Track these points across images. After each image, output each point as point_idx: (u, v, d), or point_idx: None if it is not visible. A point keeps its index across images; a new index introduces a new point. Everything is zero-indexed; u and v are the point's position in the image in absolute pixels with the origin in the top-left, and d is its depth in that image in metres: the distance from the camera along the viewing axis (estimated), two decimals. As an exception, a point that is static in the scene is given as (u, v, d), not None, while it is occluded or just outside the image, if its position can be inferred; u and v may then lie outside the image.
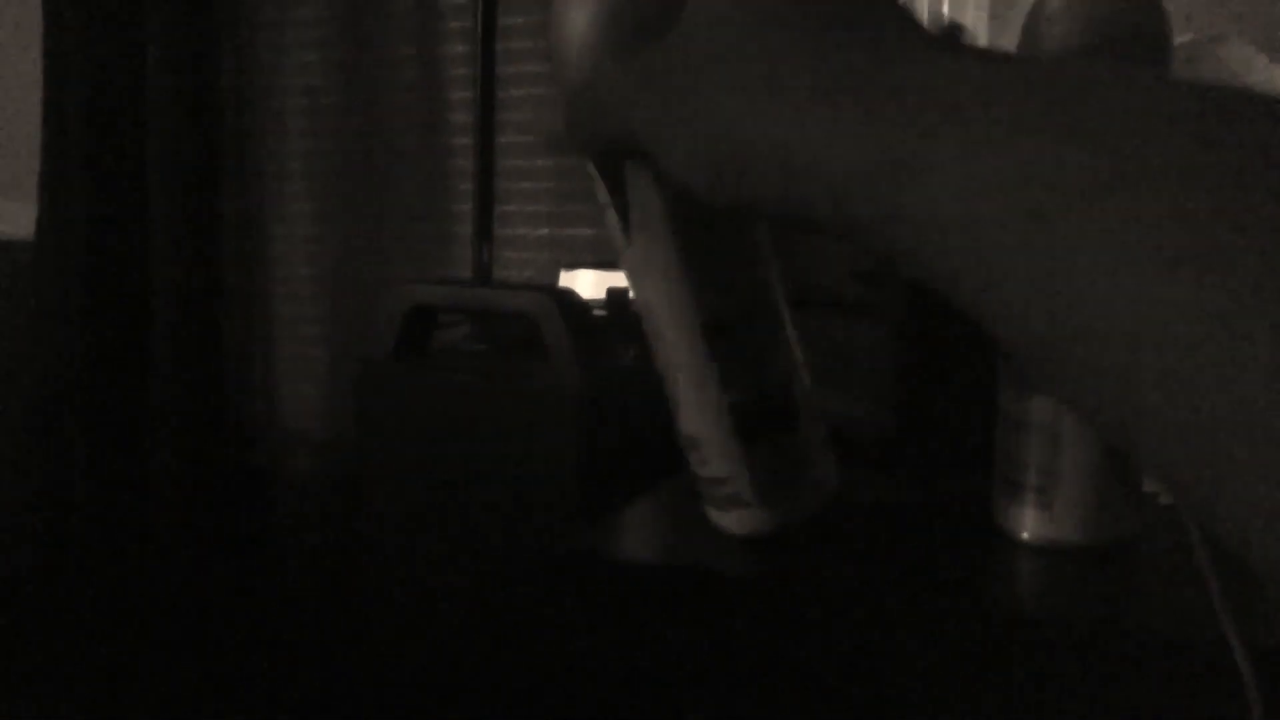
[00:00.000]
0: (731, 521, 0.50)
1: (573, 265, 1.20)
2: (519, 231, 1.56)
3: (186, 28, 1.68)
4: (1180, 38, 0.84)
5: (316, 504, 1.65)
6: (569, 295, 0.91)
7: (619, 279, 1.08)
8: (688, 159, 0.31)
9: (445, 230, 1.61)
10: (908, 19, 0.29)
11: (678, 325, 0.46)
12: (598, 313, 1.02)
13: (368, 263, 1.66)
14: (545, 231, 1.55)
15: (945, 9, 1.34)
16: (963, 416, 0.62)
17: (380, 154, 1.64)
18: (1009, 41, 1.06)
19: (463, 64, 1.57)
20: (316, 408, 1.70)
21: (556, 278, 1.25)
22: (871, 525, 0.53)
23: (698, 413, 0.48)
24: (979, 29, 1.32)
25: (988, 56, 0.25)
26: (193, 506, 1.73)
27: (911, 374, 0.63)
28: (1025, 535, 0.47)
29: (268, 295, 1.75)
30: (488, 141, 1.56)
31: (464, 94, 1.57)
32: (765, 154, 0.28)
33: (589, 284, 1.08)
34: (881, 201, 0.25)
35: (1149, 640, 0.39)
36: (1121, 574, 0.45)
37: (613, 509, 0.57)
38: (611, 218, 0.45)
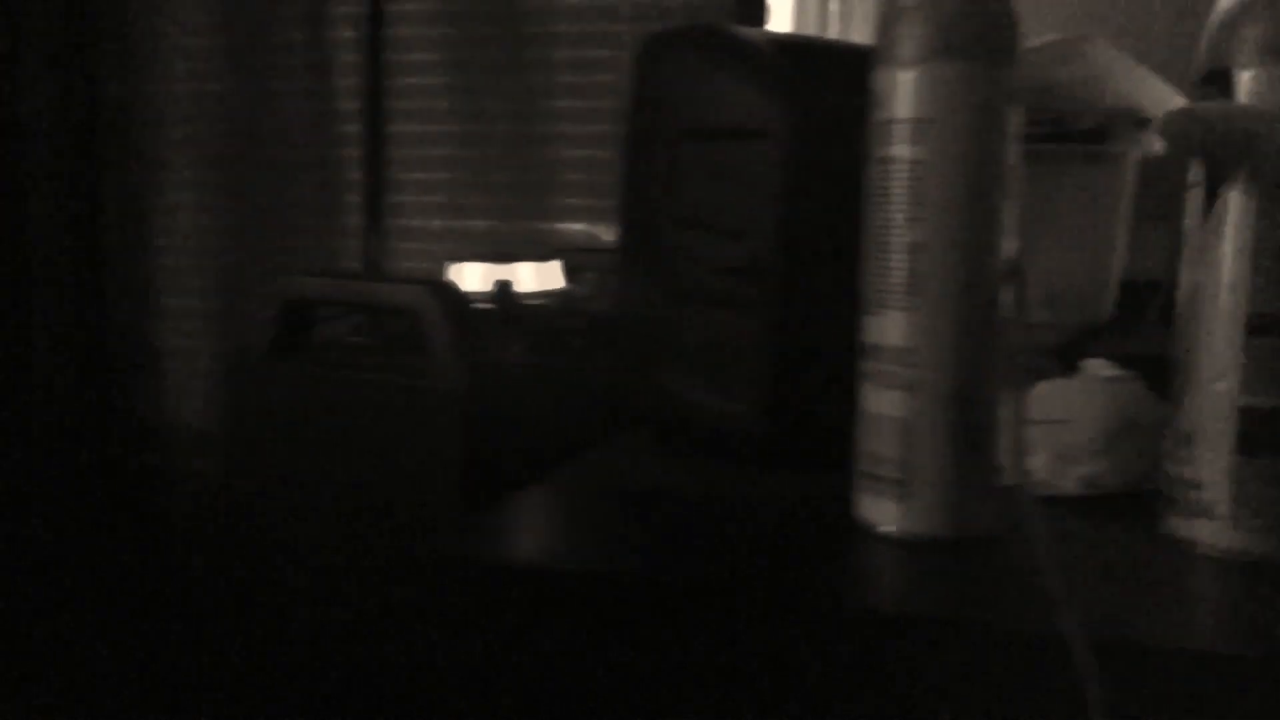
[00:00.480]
0: (1194, 531, 0.47)
1: (463, 258, 1.18)
2: (413, 223, 1.53)
3: (65, 16, 1.61)
4: (1048, 37, 0.86)
5: (200, 501, 1.60)
6: (449, 288, 0.89)
7: (507, 272, 1.06)
8: None
9: (336, 222, 1.57)
10: None
11: (1224, 314, 0.46)
12: (484, 306, 1.00)
13: (256, 254, 1.61)
14: (439, 223, 1.52)
15: (833, 6, 1.36)
16: (835, 413, 0.62)
17: (268, 142, 1.59)
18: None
19: (352, 50, 1.53)
20: (202, 404, 1.65)
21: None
22: (737, 522, 0.53)
23: (1205, 408, 0.46)
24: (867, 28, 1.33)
25: None
26: (77, 504, 1.67)
27: (784, 370, 0.63)
28: (885, 529, 0.48)
29: (152, 289, 1.68)
30: (377, 130, 1.53)
31: (353, 81, 1.53)
32: None
33: (477, 277, 1.06)
34: None
35: (996, 632, 0.40)
36: (977, 567, 0.46)
37: (492, 509, 0.56)
38: (1195, 195, 0.46)
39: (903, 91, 0.46)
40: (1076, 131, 0.96)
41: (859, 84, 0.53)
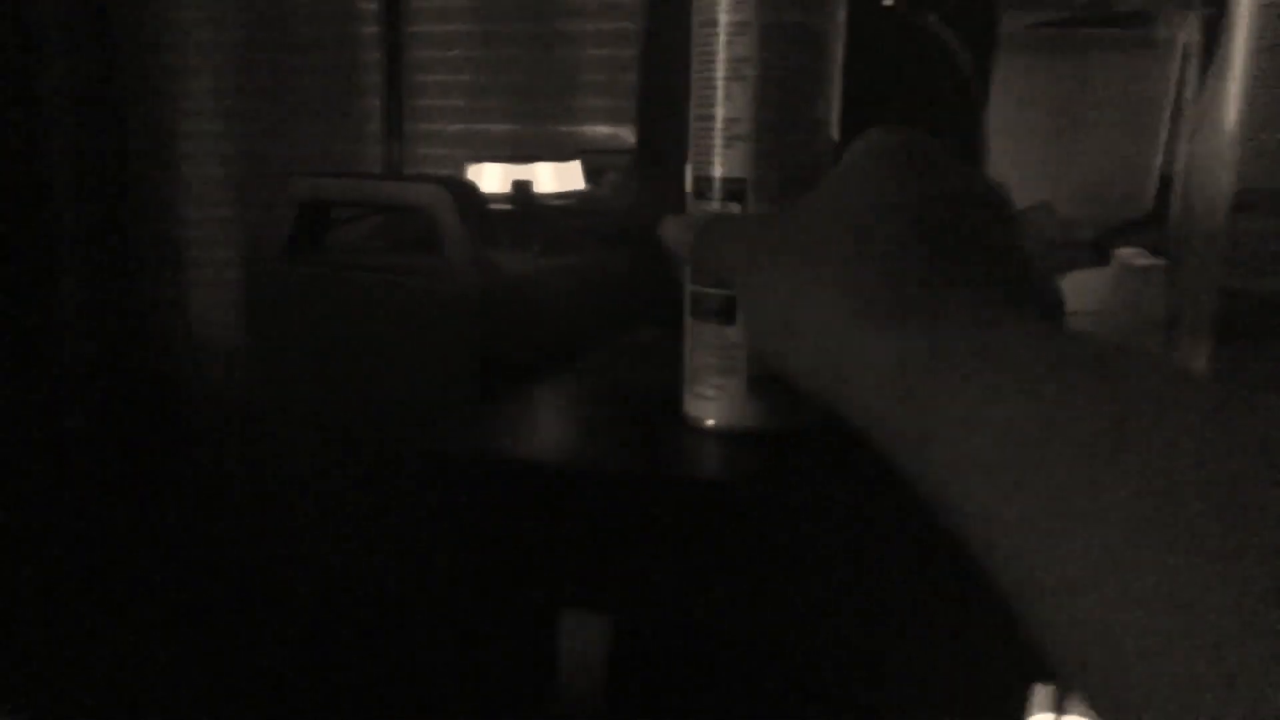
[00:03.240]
0: None
1: (482, 160, 1.15)
2: (433, 127, 1.51)
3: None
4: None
5: (224, 410, 1.62)
6: (465, 186, 0.87)
7: (526, 173, 1.04)
8: (756, 327, 0.35)
9: (355, 127, 1.54)
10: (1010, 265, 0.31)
11: (1211, 190, 0.43)
12: (502, 207, 0.98)
13: (276, 160, 1.59)
14: (460, 126, 1.49)
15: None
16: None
17: (286, 46, 1.56)
18: None
19: (368, -53, 1.48)
20: (226, 313, 1.65)
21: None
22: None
23: (1189, 289, 0.44)
24: None
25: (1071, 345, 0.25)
26: (103, 418, 1.69)
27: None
28: (709, 423, 0.46)
29: (175, 198, 1.68)
30: (396, 30, 1.49)
31: (371, -20, 1.49)
32: (813, 351, 0.31)
33: (495, 178, 1.04)
34: (901, 442, 0.27)
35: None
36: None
37: (505, 407, 0.55)
38: (1194, 65, 0.42)
39: None
40: (1119, 15, 0.91)
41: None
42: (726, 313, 0.43)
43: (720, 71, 0.41)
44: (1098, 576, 0.20)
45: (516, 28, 1.44)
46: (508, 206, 0.97)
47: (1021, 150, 0.90)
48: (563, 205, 1.03)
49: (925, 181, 0.33)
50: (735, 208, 0.42)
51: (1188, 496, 0.19)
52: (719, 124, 0.41)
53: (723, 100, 0.41)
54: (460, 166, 1.45)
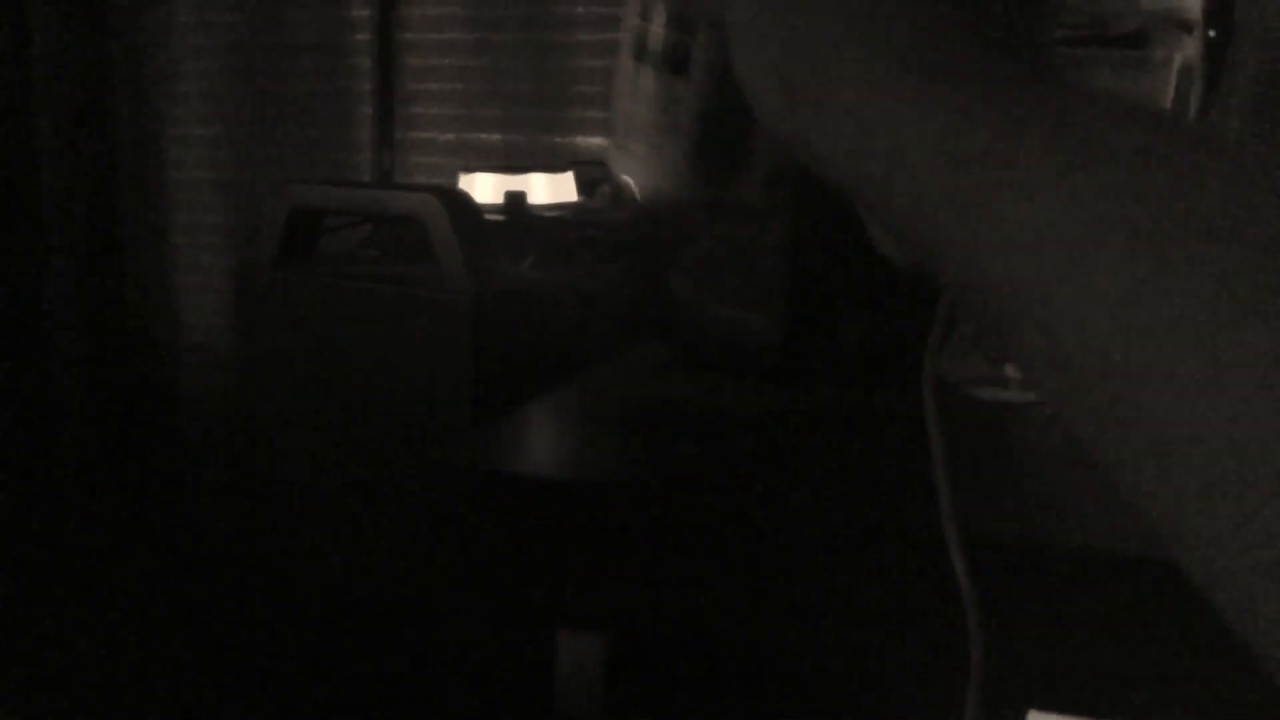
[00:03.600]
0: None
1: (475, 170, 1.15)
2: (425, 135, 1.50)
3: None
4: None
5: (212, 415, 1.60)
6: (459, 196, 0.86)
7: (520, 183, 1.03)
8: (769, 72, 0.28)
9: (346, 135, 1.53)
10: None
11: None
12: (495, 217, 0.98)
13: (267, 168, 1.58)
14: (452, 136, 1.49)
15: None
16: (853, 327, 0.60)
17: (278, 52, 1.55)
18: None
19: (363, -45, 1.48)
20: (216, 319, 1.64)
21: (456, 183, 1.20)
22: (746, 435, 0.51)
23: None
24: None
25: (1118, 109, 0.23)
26: (93, 423, 1.67)
27: (802, 282, 0.61)
28: (633, 185, 0.41)
29: (165, 203, 1.66)
30: (389, 39, 1.49)
31: (364, -13, 1.48)
32: (847, 114, 0.25)
33: (488, 188, 1.03)
34: (953, 220, 0.23)
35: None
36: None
37: (498, 420, 0.55)
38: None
39: None
40: (1115, 36, 0.91)
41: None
42: (677, 61, 0.37)
43: None
44: (1175, 359, 0.18)
45: (510, 38, 1.44)
46: (500, 217, 0.97)
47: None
48: (556, 216, 1.02)
49: None
50: None
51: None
52: None
53: None
54: (453, 176, 1.45)
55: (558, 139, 1.42)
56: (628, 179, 0.40)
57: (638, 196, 0.40)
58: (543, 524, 0.46)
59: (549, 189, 1.06)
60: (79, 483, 1.65)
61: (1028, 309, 0.21)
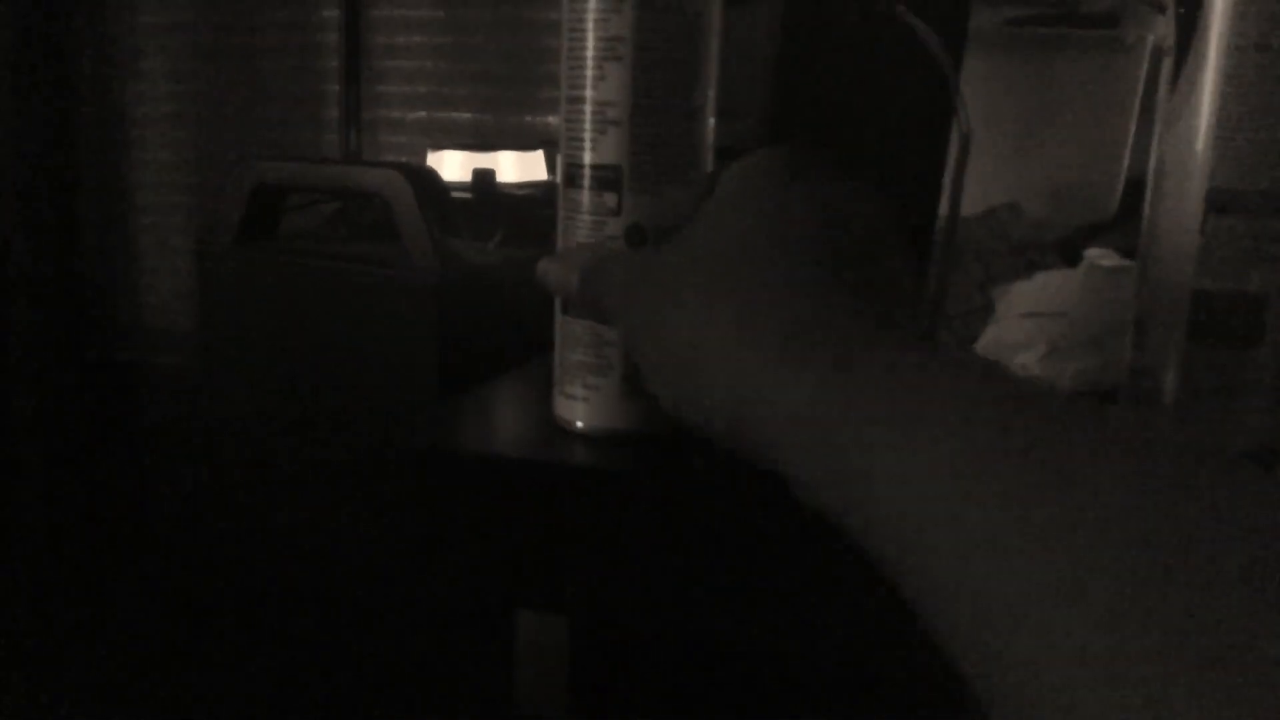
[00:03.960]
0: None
1: (444, 148, 1.13)
2: (394, 114, 1.48)
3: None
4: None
5: (178, 399, 1.58)
6: (425, 173, 0.85)
7: (488, 161, 1.02)
8: (653, 373, 0.33)
9: (315, 113, 1.51)
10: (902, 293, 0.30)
11: (1184, 190, 0.41)
12: (463, 195, 0.96)
13: (232, 147, 1.55)
14: (422, 114, 1.47)
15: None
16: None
17: (243, 28, 1.53)
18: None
19: (330, -71, 1.45)
20: (178, 299, 1.62)
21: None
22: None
23: (1160, 290, 0.43)
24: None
25: (975, 367, 0.25)
26: (55, 403, 1.65)
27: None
28: (579, 425, 0.44)
29: (127, 182, 1.64)
30: (356, 14, 1.46)
31: (332, -38, 1.46)
32: (720, 397, 0.29)
33: (456, 165, 1.02)
34: (828, 485, 0.26)
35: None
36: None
37: (463, 399, 0.54)
38: (1168, 64, 0.42)
39: None
40: (1087, 16, 0.91)
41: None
42: None
43: (592, 51, 0.38)
44: (1031, 612, 0.19)
45: (480, 15, 1.42)
46: (468, 195, 0.95)
47: (989, 151, 0.89)
48: (525, 195, 1.01)
49: (813, 204, 0.32)
50: (611, 198, 0.39)
51: (1115, 530, 0.19)
52: (590, 107, 0.38)
53: (594, 82, 0.38)
54: (422, 155, 1.43)
55: (528, 118, 1.41)
56: (569, 418, 0.43)
57: (583, 425, 0.42)
58: (507, 505, 0.45)
59: (518, 167, 1.05)
60: (38, 465, 1.62)
61: (896, 553, 0.23)
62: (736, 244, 0.31)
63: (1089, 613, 0.18)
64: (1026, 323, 0.54)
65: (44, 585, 1.47)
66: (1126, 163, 0.89)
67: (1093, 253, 0.60)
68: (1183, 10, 0.42)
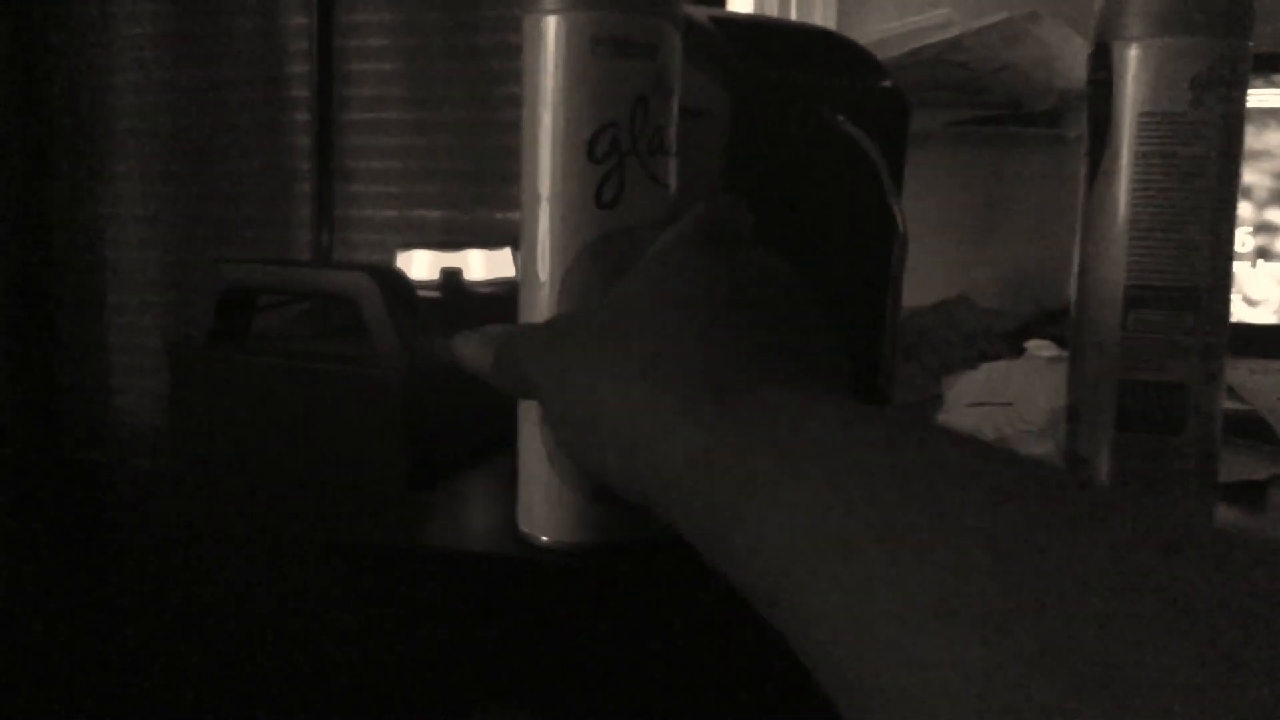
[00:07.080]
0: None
1: (414, 247, 1.15)
2: (365, 213, 1.51)
3: (7, 3, 1.57)
4: (995, 17, 0.85)
5: (150, 500, 1.57)
6: (392, 273, 0.87)
7: (456, 259, 1.04)
8: (558, 424, 0.35)
9: (286, 213, 1.54)
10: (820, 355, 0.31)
11: (1104, 287, 0.44)
12: (429, 294, 0.98)
13: (204, 247, 1.57)
14: (394, 213, 1.50)
15: (794, 8, 1.34)
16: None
17: (216, 130, 1.56)
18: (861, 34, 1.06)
19: (303, 36, 1.50)
20: (152, 400, 1.61)
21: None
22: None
23: (1088, 381, 0.45)
24: (828, 22, 1.32)
25: (870, 418, 0.26)
26: (25, 505, 1.63)
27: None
28: (544, 539, 0.44)
29: (100, 283, 1.65)
30: (327, 117, 1.50)
31: (304, 68, 1.50)
32: (616, 445, 0.31)
33: (424, 264, 1.04)
34: (710, 532, 0.27)
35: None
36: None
37: (436, 494, 0.55)
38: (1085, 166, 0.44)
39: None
40: (1031, 114, 0.95)
41: (806, 63, 0.52)
42: None
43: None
44: (897, 660, 0.20)
45: (449, 116, 1.46)
46: (436, 294, 0.97)
47: (943, 244, 0.92)
48: (493, 293, 1.03)
49: (733, 266, 0.33)
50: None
51: (983, 581, 0.19)
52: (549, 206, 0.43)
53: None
54: (393, 253, 1.46)
55: (497, 215, 1.44)
56: (532, 532, 0.44)
57: (548, 539, 0.44)
58: (475, 600, 0.46)
59: (486, 265, 1.07)
60: (4, 565, 1.60)
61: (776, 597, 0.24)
62: (647, 303, 0.33)
63: (960, 629, 0.18)
64: (974, 412, 0.56)
65: (6, 683, 1.44)
66: (1078, 253, 0.92)
67: (1033, 344, 0.62)
68: (1096, 113, 0.45)
